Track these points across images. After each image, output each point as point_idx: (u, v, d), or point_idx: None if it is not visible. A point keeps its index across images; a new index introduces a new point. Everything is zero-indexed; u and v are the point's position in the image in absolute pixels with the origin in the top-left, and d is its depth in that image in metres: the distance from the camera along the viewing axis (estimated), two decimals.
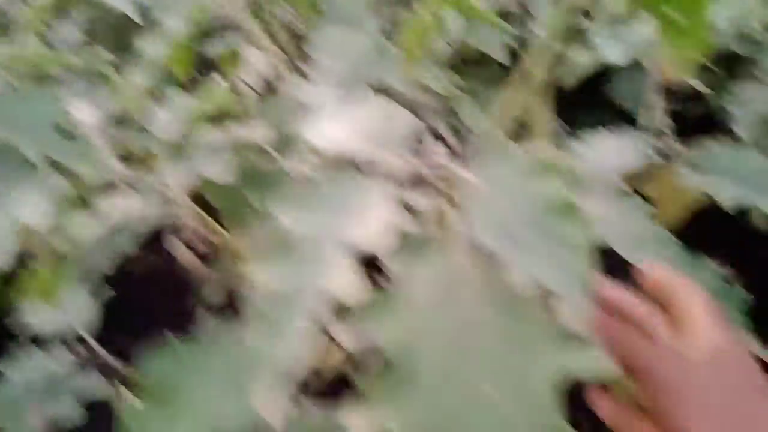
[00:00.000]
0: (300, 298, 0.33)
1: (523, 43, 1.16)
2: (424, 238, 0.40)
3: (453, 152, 0.40)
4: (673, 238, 0.61)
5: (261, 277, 0.34)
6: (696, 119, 1.22)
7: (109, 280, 0.75)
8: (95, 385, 0.68)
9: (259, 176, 0.80)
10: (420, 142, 0.39)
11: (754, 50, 1.03)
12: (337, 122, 0.39)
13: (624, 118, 1.18)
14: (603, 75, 1.42)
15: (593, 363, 0.33)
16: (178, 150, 0.74)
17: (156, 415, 0.51)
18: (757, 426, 0.37)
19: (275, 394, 0.32)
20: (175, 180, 0.65)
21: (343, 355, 0.59)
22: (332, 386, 0.63)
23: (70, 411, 0.67)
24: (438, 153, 0.39)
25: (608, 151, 0.65)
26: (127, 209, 0.63)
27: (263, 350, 0.33)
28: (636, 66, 0.96)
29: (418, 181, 0.38)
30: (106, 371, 0.72)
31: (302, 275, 0.34)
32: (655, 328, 0.42)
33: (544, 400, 0.34)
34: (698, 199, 1.06)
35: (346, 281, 0.33)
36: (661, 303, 0.43)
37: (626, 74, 1.16)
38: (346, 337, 0.37)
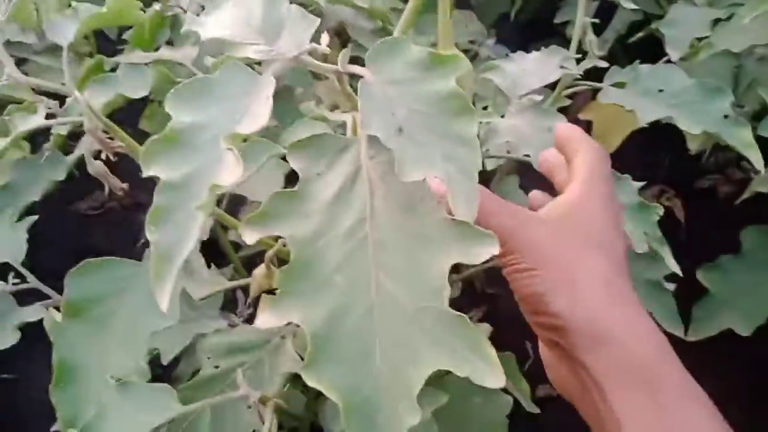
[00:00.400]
0: (190, 187, 0.34)
1: None
2: (326, 137, 0.41)
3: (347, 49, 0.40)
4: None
5: (154, 170, 0.34)
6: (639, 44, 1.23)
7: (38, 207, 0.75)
8: (29, 310, 0.68)
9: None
10: (317, 38, 0.39)
11: None
12: (225, 12, 0.39)
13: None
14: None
15: (482, 250, 0.35)
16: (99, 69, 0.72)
17: (80, 329, 0.52)
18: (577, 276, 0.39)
19: (166, 280, 0.33)
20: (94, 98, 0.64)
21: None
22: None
23: (7, 334, 0.67)
24: (331, 48, 0.39)
25: (530, 67, 0.66)
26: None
27: (159, 240, 0.33)
28: None
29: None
30: (41, 298, 0.72)
31: (192, 166, 0.34)
32: (554, 179, 0.46)
33: (436, 287, 0.35)
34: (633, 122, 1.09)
35: (232, 171, 0.33)
36: (566, 158, 0.46)
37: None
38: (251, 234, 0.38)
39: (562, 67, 0.67)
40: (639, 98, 0.67)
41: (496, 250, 0.34)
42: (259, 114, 0.35)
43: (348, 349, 0.35)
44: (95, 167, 0.62)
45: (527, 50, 0.70)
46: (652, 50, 1.14)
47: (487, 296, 1.18)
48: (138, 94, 0.67)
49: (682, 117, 0.65)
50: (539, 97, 0.59)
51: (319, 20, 0.41)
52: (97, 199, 1.39)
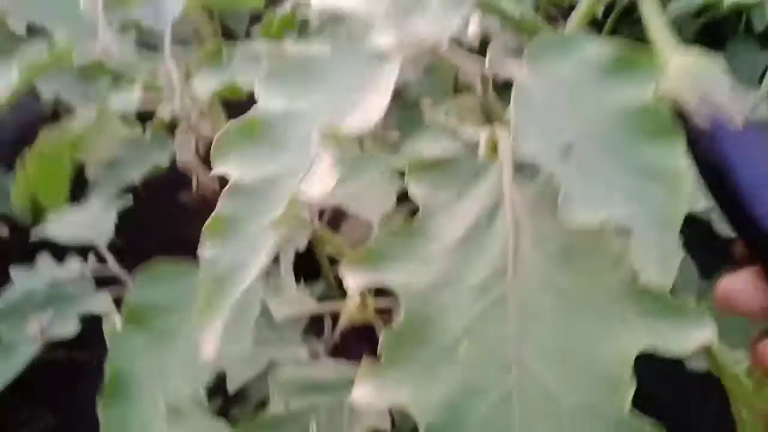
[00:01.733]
0: (267, 195, 0.25)
1: None
2: (456, 156, 0.31)
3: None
4: None
5: (225, 166, 0.25)
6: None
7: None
8: (97, 299, 0.62)
9: None
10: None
11: None
12: None
13: None
14: None
15: (690, 335, 0.24)
16: None
17: (140, 340, 0.45)
18: None
19: (215, 314, 0.24)
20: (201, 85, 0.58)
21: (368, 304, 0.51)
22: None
23: (68, 323, 0.62)
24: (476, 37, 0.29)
25: None
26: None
27: (215, 260, 0.25)
28: None
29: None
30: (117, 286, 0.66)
31: (274, 167, 0.26)
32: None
33: (609, 379, 0.24)
34: None
35: (324, 181, 0.24)
36: None
37: None
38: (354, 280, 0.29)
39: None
40: None
41: (709, 336, 0.23)
42: (372, 108, 0.25)
43: None
44: (184, 158, 0.55)
45: None
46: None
47: None
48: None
49: None
50: None
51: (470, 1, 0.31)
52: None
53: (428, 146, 0.42)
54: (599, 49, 0.27)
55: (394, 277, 0.28)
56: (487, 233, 0.29)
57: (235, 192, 0.26)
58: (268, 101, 0.27)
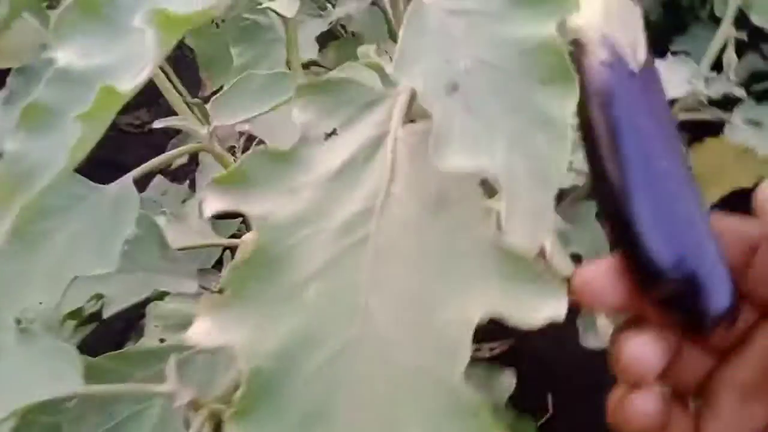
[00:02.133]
0: (89, 86, 0.21)
1: None
2: (349, 84, 0.28)
3: None
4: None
5: (60, 50, 0.22)
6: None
7: None
8: None
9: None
10: None
11: None
12: None
13: None
14: None
15: (540, 305, 0.21)
16: None
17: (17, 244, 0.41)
18: None
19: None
20: None
21: None
22: None
23: None
24: None
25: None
26: None
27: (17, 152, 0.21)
28: None
29: None
30: None
31: (111, 55, 0.22)
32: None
33: (451, 342, 0.22)
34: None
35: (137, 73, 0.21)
36: None
37: None
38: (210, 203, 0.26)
39: (688, 83, 0.52)
40: None
41: (561, 310, 0.21)
42: None
43: (299, 403, 0.22)
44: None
45: None
46: None
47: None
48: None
49: None
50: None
51: None
52: (140, 117, 1.30)
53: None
54: None
55: (253, 204, 0.25)
56: (363, 169, 0.26)
57: (62, 79, 0.22)
58: None
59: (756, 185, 0.25)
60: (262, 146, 0.26)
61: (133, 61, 0.21)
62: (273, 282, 0.24)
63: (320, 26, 0.78)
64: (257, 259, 0.24)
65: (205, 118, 0.43)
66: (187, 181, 0.81)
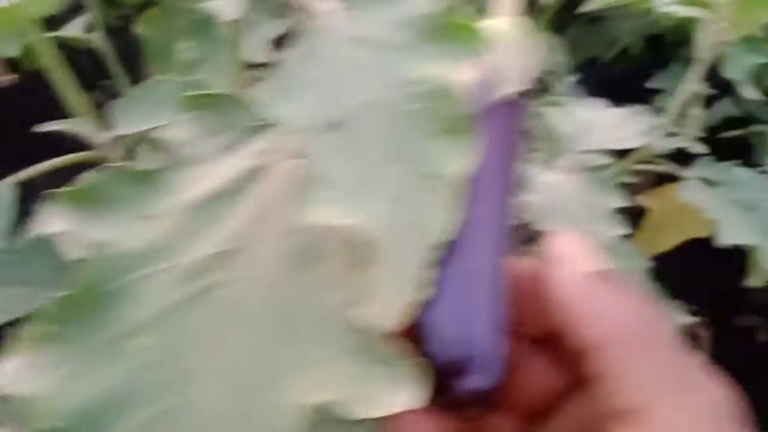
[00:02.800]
0: None
1: None
2: (233, 102, 0.24)
3: None
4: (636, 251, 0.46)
5: None
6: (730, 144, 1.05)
7: None
8: None
9: None
10: None
11: None
12: None
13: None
14: None
15: (385, 392, 0.18)
16: None
17: None
18: None
19: None
20: None
21: None
22: None
23: None
24: None
25: (607, 122, 0.49)
26: None
27: None
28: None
29: None
30: None
31: None
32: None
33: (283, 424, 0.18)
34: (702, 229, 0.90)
35: None
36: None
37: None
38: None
39: (644, 136, 0.50)
40: (727, 208, 0.49)
41: (412, 402, 0.18)
42: None
43: None
44: None
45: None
46: (742, 154, 0.96)
47: None
48: None
49: None
50: (606, 160, 0.42)
51: None
52: None
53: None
54: (426, 6, 0.21)
55: (98, 228, 0.22)
56: (230, 204, 0.22)
57: None
58: None
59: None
60: (123, 163, 0.22)
61: None
62: (96, 325, 0.20)
63: (277, 28, 0.74)
64: (84, 294, 0.20)
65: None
66: None
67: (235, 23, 0.53)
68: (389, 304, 0.18)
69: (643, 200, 0.97)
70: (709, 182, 0.54)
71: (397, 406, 0.17)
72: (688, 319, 0.47)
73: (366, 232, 0.18)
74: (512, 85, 0.24)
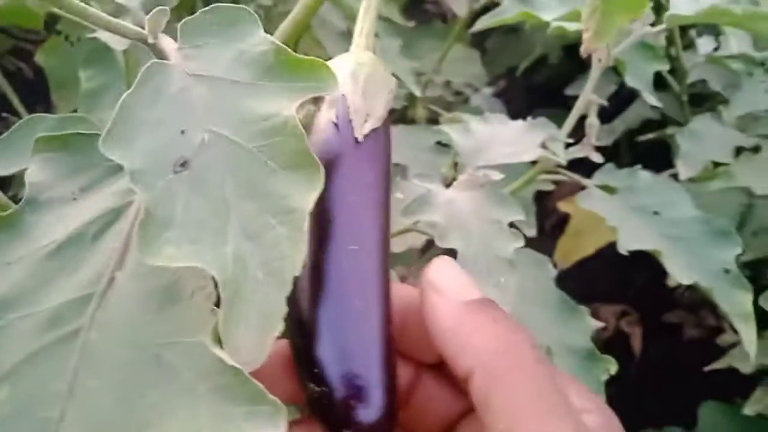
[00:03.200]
0: None
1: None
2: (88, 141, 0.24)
3: None
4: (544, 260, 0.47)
5: None
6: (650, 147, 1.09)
7: None
8: None
9: None
10: None
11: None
12: None
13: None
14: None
15: (253, 427, 0.18)
16: None
17: None
18: None
19: None
20: None
21: None
22: None
23: None
24: None
25: (505, 136, 0.50)
26: None
27: None
28: None
29: None
30: None
31: None
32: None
33: None
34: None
35: None
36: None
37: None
38: None
39: (544, 147, 0.51)
40: (627, 215, 0.51)
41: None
42: None
43: None
44: None
45: (530, 114, 0.54)
46: (663, 158, 0.99)
47: None
48: None
49: (674, 256, 0.49)
50: (498, 176, 0.43)
51: None
52: None
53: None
54: (265, 41, 0.21)
55: None
56: (91, 248, 0.22)
57: None
58: None
59: None
60: None
61: None
62: None
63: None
64: None
65: None
66: None
67: (131, 51, 0.52)
68: (251, 343, 0.18)
69: (564, 207, 0.99)
70: (609, 189, 0.56)
71: None
72: (594, 323, 0.48)
73: (215, 272, 0.18)
74: (374, 120, 0.24)
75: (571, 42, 1.21)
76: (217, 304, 0.19)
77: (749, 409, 0.67)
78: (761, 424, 0.71)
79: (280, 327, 0.19)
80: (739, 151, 0.79)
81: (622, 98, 1.10)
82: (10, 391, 0.19)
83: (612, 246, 0.99)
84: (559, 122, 0.58)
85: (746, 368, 0.68)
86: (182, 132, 0.20)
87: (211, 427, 0.18)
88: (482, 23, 0.59)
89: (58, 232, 0.22)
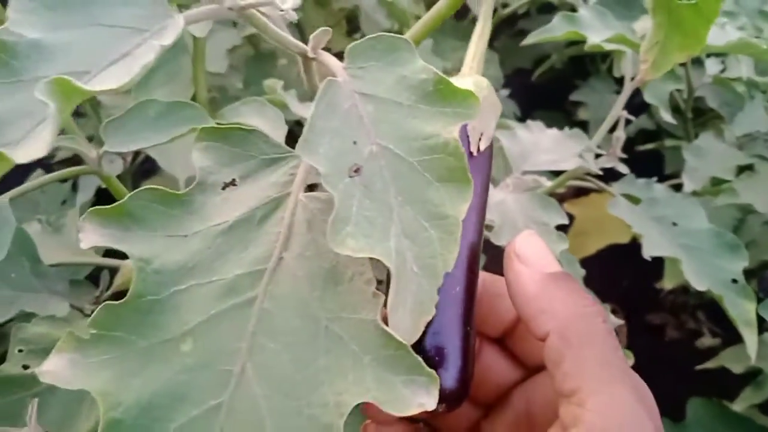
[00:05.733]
0: None
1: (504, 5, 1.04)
2: (254, 137, 0.28)
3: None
4: (574, 260, 0.52)
5: None
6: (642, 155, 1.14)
7: None
8: None
9: None
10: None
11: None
12: None
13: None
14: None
15: (410, 395, 0.22)
16: None
17: None
18: None
19: None
20: None
21: None
22: None
23: None
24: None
25: (545, 144, 0.54)
26: None
27: None
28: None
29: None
30: None
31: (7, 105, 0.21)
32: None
33: (321, 424, 0.22)
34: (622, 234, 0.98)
35: (34, 147, 0.20)
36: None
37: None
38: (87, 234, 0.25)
39: (577, 157, 0.56)
40: (651, 224, 0.56)
41: (431, 404, 0.22)
42: (131, 69, 0.21)
43: None
44: None
45: (529, 116, 0.58)
46: (655, 165, 1.04)
47: None
48: None
49: (690, 264, 0.54)
50: (546, 183, 0.48)
51: None
52: None
53: (244, 115, 0.38)
54: (423, 69, 0.25)
55: (136, 244, 0.25)
56: (258, 230, 0.26)
57: None
58: (22, 22, 0.22)
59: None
60: (152, 185, 0.25)
61: (27, 117, 0.20)
62: (147, 330, 0.23)
63: (232, 38, 0.76)
64: (133, 302, 0.24)
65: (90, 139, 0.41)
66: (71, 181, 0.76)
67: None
68: (408, 324, 0.22)
69: (569, 208, 1.05)
70: (632, 198, 0.61)
71: (420, 408, 0.21)
72: (614, 320, 0.53)
73: (384, 259, 0.22)
74: (487, 138, 0.29)
75: (582, 53, 1.26)
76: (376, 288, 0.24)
77: (738, 406, 0.73)
78: (745, 419, 0.77)
79: (432, 312, 0.23)
80: (740, 169, 0.85)
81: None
82: (193, 345, 0.23)
83: (604, 248, 1.04)
84: (557, 124, 0.63)
85: (738, 368, 0.74)
86: (354, 143, 0.24)
87: (376, 390, 0.22)
88: (532, 38, 0.63)
89: (226, 214, 0.26)
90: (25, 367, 0.41)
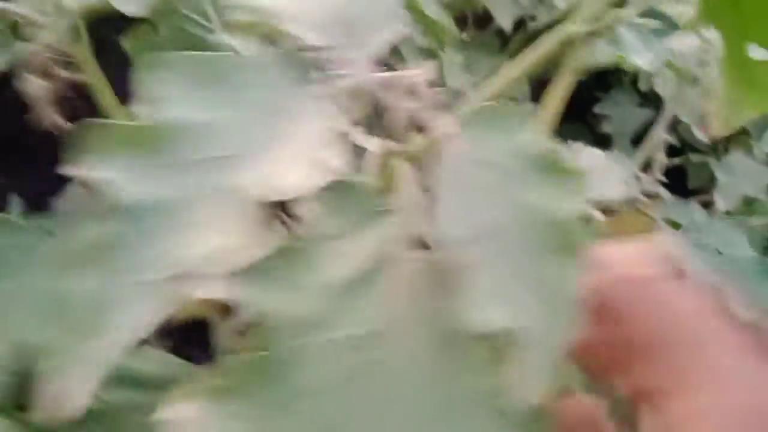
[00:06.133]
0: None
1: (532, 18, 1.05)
2: (354, 189, 0.28)
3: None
4: None
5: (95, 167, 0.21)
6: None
7: None
8: None
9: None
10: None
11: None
12: None
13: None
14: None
15: None
16: None
17: None
18: None
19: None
20: None
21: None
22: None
23: None
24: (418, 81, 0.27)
25: (598, 172, 0.55)
26: None
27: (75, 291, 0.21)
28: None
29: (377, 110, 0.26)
30: None
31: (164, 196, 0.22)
32: None
33: None
34: None
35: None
36: None
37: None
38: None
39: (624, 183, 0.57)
40: (695, 251, 0.57)
41: None
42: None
43: None
44: (33, 86, 0.47)
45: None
46: (678, 179, 1.05)
47: None
48: (130, 9, 0.53)
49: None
50: (601, 217, 0.49)
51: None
52: None
53: None
54: (532, 141, 0.26)
55: (266, 297, 0.25)
56: (372, 286, 0.26)
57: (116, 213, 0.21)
58: (175, 103, 0.22)
59: None
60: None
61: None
62: (279, 387, 0.24)
63: None
64: (267, 359, 0.24)
65: None
66: None
67: None
68: (533, 393, 0.23)
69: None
70: (673, 224, 0.62)
71: None
72: None
73: (510, 334, 0.23)
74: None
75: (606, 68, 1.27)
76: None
77: None
78: None
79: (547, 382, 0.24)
80: None
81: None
82: (323, 405, 0.24)
83: None
84: (582, 138, 0.64)
85: None
86: (474, 212, 0.25)
87: None
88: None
89: (338, 266, 0.26)
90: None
